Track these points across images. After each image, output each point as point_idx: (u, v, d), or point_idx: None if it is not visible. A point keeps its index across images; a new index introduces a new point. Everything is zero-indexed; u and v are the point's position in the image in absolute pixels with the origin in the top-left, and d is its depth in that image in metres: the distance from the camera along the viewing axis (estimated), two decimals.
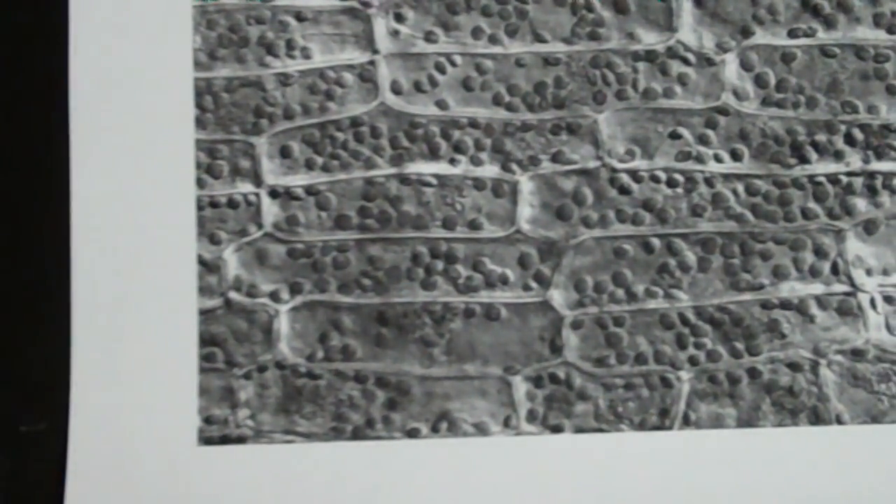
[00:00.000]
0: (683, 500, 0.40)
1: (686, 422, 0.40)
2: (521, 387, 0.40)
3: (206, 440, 0.39)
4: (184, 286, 0.40)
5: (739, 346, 0.41)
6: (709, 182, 0.41)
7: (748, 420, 0.40)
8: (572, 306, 0.41)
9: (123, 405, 0.39)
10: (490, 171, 0.41)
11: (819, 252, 0.41)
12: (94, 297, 0.39)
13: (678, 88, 0.41)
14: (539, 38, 0.41)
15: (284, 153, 0.40)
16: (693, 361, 0.40)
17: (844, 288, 0.41)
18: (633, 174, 0.41)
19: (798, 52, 0.42)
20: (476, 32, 0.41)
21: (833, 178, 0.41)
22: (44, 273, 0.39)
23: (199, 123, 0.40)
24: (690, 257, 0.41)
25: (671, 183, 0.41)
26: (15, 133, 0.40)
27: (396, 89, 0.41)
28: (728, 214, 0.41)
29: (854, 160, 0.41)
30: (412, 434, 0.40)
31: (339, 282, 0.40)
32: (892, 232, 0.41)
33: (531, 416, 0.40)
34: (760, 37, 0.41)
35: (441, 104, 0.41)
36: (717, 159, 0.41)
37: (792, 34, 0.42)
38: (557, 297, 0.41)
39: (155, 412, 0.39)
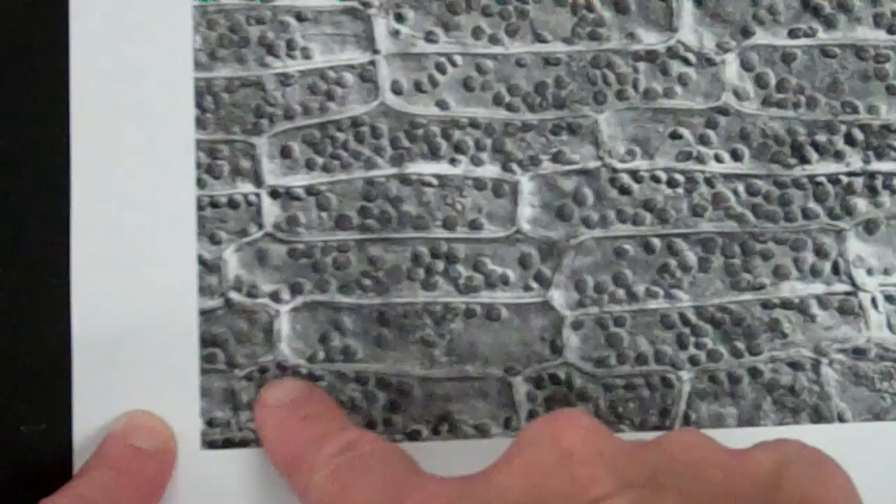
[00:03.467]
0: None
1: (687, 422, 0.40)
2: (521, 388, 0.40)
3: (209, 444, 0.39)
4: (184, 286, 0.40)
5: (740, 345, 0.41)
6: (709, 182, 0.41)
7: (749, 419, 0.40)
8: (573, 306, 0.41)
9: (125, 406, 0.39)
10: (490, 171, 0.41)
11: (820, 252, 0.41)
12: (94, 297, 0.39)
13: (679, 88, 0.41)
14: (539, 38, 0.41)
15: (285, 153, 0.40)
16: (694, 361, 0.40)
17: (845, 287, 0.41)
18: (634, 174, 0.41)
19: (798, 52, 0.42)
20: (476, 32, 0.41)
21: (833, 178, 0.41)
22: (44, 273, 0.39)
23: (200, 123, 0.40)
24: (691, 257, 0.41)
25: (672, 183, 0.41)
26: (15, 133, 0.40)
27: (397, 89, 0.41)
28: (728, 214, 0.41)
29: (854, 160, 0.41)
30: (413, 436, 0.40)
31: (339, 282, 0.40)
32: (893, 232, 0.41)
33: (532, 418, 0.40)
34: (761, 37, 0.42)
35: (441, 104, 0.41)
36: (718, 159, 0.41)
37: (792, 34, 0.42)
38: (558, 297, 0.41)
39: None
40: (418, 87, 0.41)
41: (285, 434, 0.37)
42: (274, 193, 0.40)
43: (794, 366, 0.41)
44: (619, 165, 0.41)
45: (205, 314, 0.40)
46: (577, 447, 0.31)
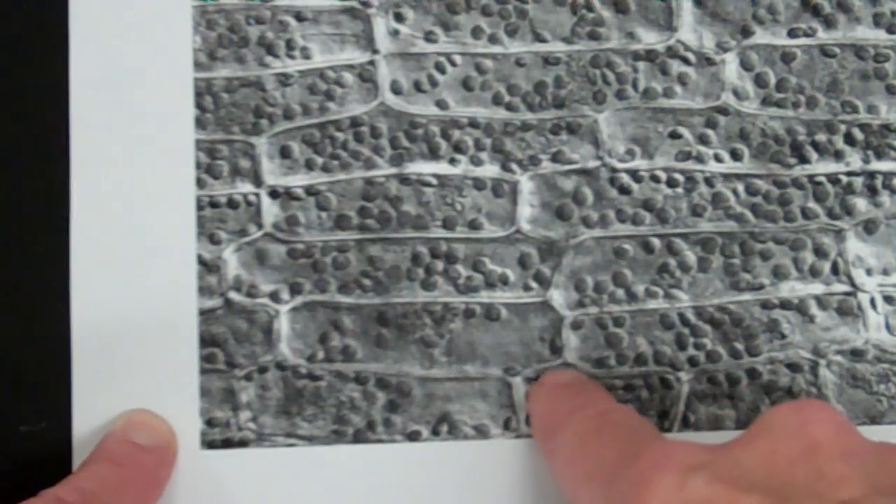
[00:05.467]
0: None
1: (685, 423, 0.40)
2: (521, 388, 0.40)
3: (208, 444, 0.39)
4: (183, 286, 0.40)
5: (739, 346, 0.41)
6: (709, 182, 0.41)
7: (747, 421, 0.40)
8: (572, 306, 0.41)
9: (124, 406, 0.39)
10: (490, 170, 0.41)
11: (819, 252, 0.41)
12: (94, 297, 0.39)
13: (678, 88, 0.41)
14: (539, 38, 0.41)
15: (284, 153, 0.40)
16: (693, 362, 0.40)
17: (844, 288, 0.41)
18: (634, 174, 0.41)
19: (798, 51, 0.42)
20: (476, 32, 0.41)
21: (833, 178, 0.41)
22: (43, 273, 0.39)
23: (199, 123, 0.40)
24: (690, 257, 0.41)
25: (671, 183, 0.41)
26: (15, 133, 0.40)
27: (396, 89, 0.41)
28: (728, 214, 0.41)
29: (854, 160, 0.41)
30: (413, 437, 0.40)
31: (339, 282, 0.40)
32: (893, 232, 0.41)
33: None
34: (760, 36, 0.41)
35: (441, 104, 0.41)
36: (718, 159, 0.41)
37: (792, 34, 0.42)
38: (557, 297, 0.41)
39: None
40: (418, 86, 0.41)
41: (553, 404, 0.38)
42: (273, 193, 0.40)
43: (793, 367, 0.41)
44: (619, 165, 0.41)
45: (204, 314, 0.40)
46: (828, 443, 0.30)
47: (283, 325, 0.40)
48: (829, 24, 0.42)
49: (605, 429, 0.35)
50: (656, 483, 0.30)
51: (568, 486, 0.35)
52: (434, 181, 0.41)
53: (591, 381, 0.40)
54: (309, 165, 0.40)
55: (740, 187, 0.41)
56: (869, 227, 0.41)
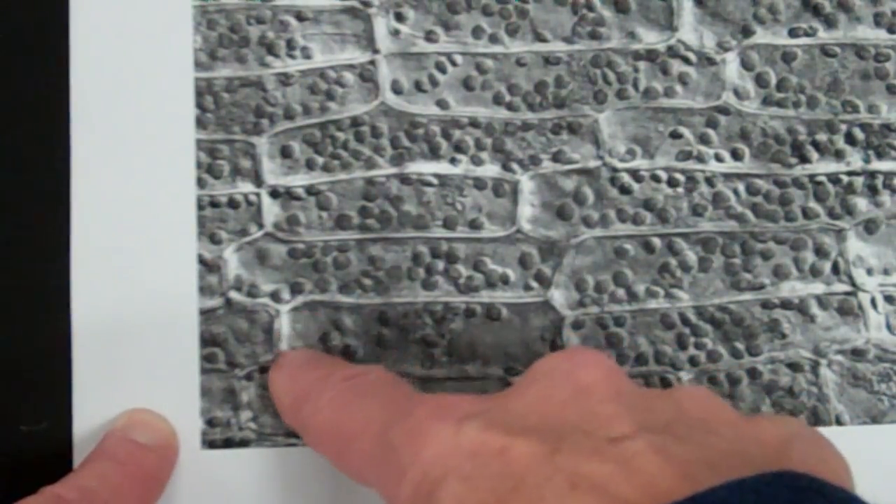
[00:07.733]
0: None
1: None
2: None
3: (209, 443, 0.39)
4: (184, 286, 0.40)
5: (740, 346, 0.41)
6: (709, 181, 0.41)
7: None
8: (573, 306, 0.41)
9: (125, 405, 0.39)
10: (491, 170, 0.41)
11: (820, 252, 0.41)
12: (94, 297, 0.39)
13: (679, 88, 0.41)
14: (540, 38, 0.41)
15: (285, 153, 0.40)
16: (693, 362, 0.40)
17: (845, 287, 0.41)
18: (634, 174, 0.41)
19: (799, 51, 0.42)
20: (477, 32, 0.41)
21: (834, 178, 0.41)
22: (43, 272, 0.39)
23: (200, 123, 0.40)
24: (691, 257, 0.41)
25: (672, 182, 0.41)
26: (15, 133, 0.40)
27: (397, 89, 0.41)
28: (729, 214, 0.41)
29: (855, 159, 0.41)
30: None
31: (339, 282, 0.40)
32: (893, 231, 0.41)
33: None
34: (761, 36, 0.41)
35: (442, 104, 0.41)
36: (718, 159, 0.41)
37: (793, 33, 0.42)
38: (558, 296, 0.41)
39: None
40: (418, 86, 0.41)
41: (297, 377, 0.38)
42: (274, 193, 0.40)
43: (794, 367, 0.41)
44: (620, 165, 0.41)
45: (205, 314, 0.40)
46: (597, 385, 0.31)
47: (284, 325, 0.40)
48: (829, 23, 0.42)
49: (366, 389, 0.35)
50: (432, 432, 0.31)
51: (330, 451, 0.35)
52: (435, 181, 0.41)
53: (327, 354, 0.40)
54: (309, 165, 0.40)
55: (741, 187, 0.41)
56: (869, 227, 0.41)
